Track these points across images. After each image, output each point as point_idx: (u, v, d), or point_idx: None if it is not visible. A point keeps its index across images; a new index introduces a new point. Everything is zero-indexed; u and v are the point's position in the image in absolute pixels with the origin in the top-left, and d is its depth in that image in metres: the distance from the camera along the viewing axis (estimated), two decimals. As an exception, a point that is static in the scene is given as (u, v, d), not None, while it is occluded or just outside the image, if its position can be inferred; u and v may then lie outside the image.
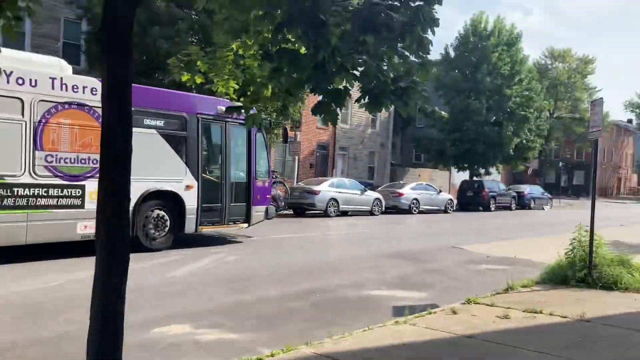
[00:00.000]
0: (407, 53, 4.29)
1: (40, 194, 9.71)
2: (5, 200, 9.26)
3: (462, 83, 33.17)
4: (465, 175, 36.42)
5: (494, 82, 32.70)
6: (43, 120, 9.80)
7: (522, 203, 35.34)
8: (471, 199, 31.89)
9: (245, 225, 13.36)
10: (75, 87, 10.20)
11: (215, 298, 7.92)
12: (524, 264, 12.27)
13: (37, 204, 9.66)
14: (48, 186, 9.81)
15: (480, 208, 31.81)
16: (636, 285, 8.80)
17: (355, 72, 4.34)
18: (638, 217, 31.12)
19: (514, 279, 9.51)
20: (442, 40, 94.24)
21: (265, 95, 4.82)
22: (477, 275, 10.76)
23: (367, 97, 4.52)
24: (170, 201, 11.74)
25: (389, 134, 38.34)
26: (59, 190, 9.99)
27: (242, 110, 4.88)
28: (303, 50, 4.26)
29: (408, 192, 27.00)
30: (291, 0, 3.82)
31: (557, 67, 58.54)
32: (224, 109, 10.62)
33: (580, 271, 9.16)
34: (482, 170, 35.51)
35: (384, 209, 24.83)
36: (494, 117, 32.81)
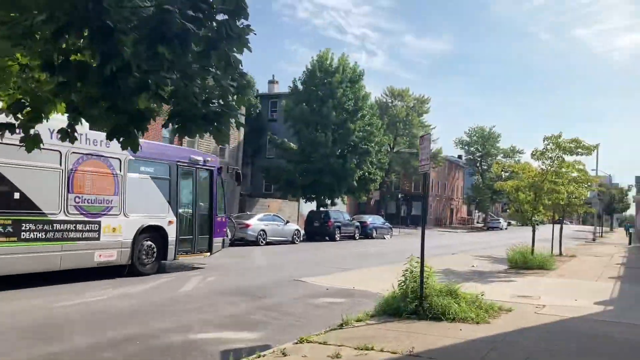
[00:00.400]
0: (218, 73, 3.83)
1: (71, 228, 12.05)
2: (47, 234, 11.57)
3: (310, 116, 33.90)
4: (313, 206, 37.05)
5: (339, 117, 33.88)
6: (73, 169, 12.23)
7: (365, 232, 36.71)
8: (318, 229, 32.37)
9: (208, 254, 16.14)
10: (95, 141, 12.50)
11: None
12: (361, 295, 12.34)
13: (69, 237, 11.98)
14: (76, 222, 12.18)
15: (327, 238, 32.40)
16: (462, 314, 9.10)
17: (161, 92, 3.79)
18: (467, 245, 33.81)
19: (350, 313, 9.39)
20: (295, 75, 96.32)
21: (51, 113, 4.05)
22: (315, 309, 10.53)
23: (175, 121, 3.97)
24: (157, 233, 14.33)
25: (239, 163, 37.88)
26: (83, 225, 12.39)
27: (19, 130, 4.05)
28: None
29: (256, 223, 26.62)
30: (73, 1, 3.18)
31: (397, 105, 62.69)
32: (196, 157, 15.78)
33: (411, 303, 9.30)
34: (328, 201, 36.39)
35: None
36: (339, 150, 33.89)
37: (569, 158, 21.11)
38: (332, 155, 33.03)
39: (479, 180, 76.68)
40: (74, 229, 12.04)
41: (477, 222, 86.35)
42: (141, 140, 10.99)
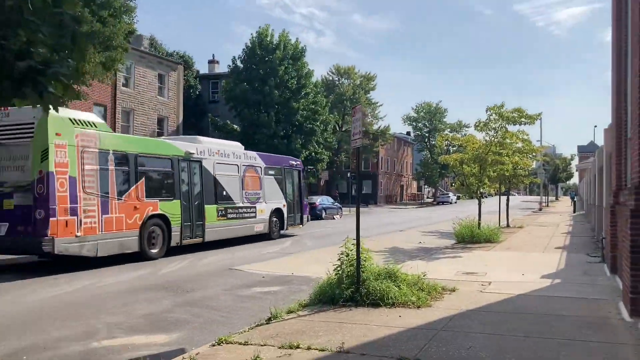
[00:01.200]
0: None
1: (244, 211, 19.17)
2: (237, 215, 18.71)
3: (251, 95, 32.65)
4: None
5: (282, 96, 32.77)
6: (243, 175, 19.37)
7: (315, 214, 35.91)
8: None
9: (301, 225, 23.94)
10: (250, 156, 20.24)
11: None
12: (300, 281, 11.51)
13: (244, 216, 19.10)
14: (246, 207, 19.33)
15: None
16: (402, 299, 8.39)
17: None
18: (417, 221, 33.55)
19: (285, 302, 8.56)
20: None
21: None
22: (247, 301, 9.60)
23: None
24: (278, 213, 21.46)
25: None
26: (249, 209, 19.53)
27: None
28: None
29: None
30: None
31: (343, 84, 61.94)
32: (291, 162, 23.69)
33: (347, 288, 8.51)
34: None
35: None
36: (283, 130, 32.82)
37: (512, 128, 20.85)
38: (276, 135, 31.95)
39: (428, 155, 77.13)
40: (246, 211, 19.19)
41: (427, 198, 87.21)
42: (265, 154, 23.07)
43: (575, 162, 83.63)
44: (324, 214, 36.55)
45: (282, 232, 21.79)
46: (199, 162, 17.11)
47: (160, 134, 32.19)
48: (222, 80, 38.00)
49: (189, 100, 38.07)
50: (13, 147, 12.59)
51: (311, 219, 35.50)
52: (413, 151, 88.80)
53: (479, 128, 18.43)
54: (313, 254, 16.36)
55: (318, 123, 33.76)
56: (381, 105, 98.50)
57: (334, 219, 36.86)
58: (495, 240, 18.81)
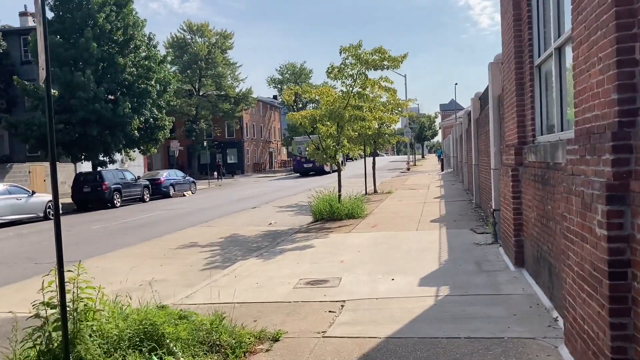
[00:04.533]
0: None
1: None
2: None
3: (64, 51, 26.13)
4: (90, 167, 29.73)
5: (105, 50, 26.62)
6: None
7: (160, 191, 30.61)
8: (90, 196, 25.49)
9: None
10: None
11: None
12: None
13: None
14: None
15: (109, 205, 25.74)
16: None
17: None
18: (279, 192, 29.48)
19: None
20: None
21: None
22: None
23: None
24: None
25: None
26: None
27: None
28: None
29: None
30: None
31: (197, 42, 55.74)
32: None
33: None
34: (107, 159, 29.37)
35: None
36: (108, 92, 26.77)
37: (373, 75, 17.16)
38: (98, 99, 25.84)
39: (295, 119, 73.39)
40: None
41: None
42: None
43: (439, 120, 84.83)
44: (172, 191, 31.32)
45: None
46: None
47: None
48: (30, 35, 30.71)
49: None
50: None
51: (158, 198, 30.29)
52: (281, 116, 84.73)
53: (332, 75, 14.41)
54: (108, 259, 11.44)
55: (153, 82, 27.99)
56: (241, 65, 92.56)
57: (184, 196, 31.76)
58: (359, 215, 15.18)
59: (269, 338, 5.33)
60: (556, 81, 5.94)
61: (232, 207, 22.41)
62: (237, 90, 59.17)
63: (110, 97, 27.26)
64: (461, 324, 5.40)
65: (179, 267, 10.10)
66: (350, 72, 14.55)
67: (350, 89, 14.86)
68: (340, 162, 15.95)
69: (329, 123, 15.07)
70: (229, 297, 7.24)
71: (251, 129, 69.54)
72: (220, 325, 5.16)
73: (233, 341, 5.05)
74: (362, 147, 23.11)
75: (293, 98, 15.76)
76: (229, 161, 64.06)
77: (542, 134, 6.92)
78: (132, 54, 27.23)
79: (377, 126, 22.09)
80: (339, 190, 15.75)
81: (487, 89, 12.20)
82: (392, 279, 7.60)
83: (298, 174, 50.29)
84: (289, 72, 74.35)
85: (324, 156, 15.69)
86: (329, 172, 56.59)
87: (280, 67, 74.66)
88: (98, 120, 25.91)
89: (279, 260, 9.83)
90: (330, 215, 15.16)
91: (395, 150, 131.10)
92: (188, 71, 55.31)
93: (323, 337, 5.35)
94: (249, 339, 5.19)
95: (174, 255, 11.59)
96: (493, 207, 10.24)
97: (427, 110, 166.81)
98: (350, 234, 12.32)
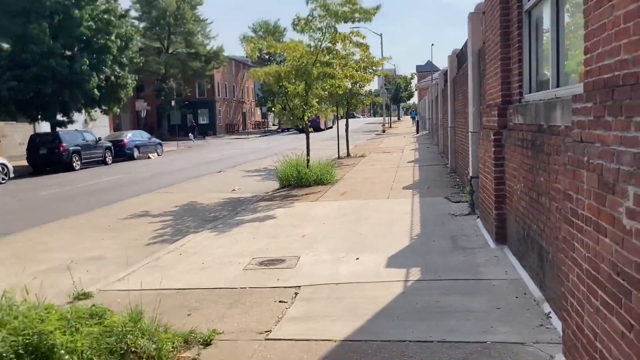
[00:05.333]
0: None
1: None
2: None
3: (16, 0, 24.12)
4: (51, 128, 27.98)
5: (60, 1, 24.64)
6: None
7: (124, 153, 29.13)
8: (47, 158, 23.97)
9: None
10: None
11: None
12: None
13: None
14: None
15: (68, 168, 24.25)
16: None
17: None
18: (248, 156, 28.17)
19: None
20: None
21: None
22: None
23: None
24: None
25: None
26: None
27: None
28: None
29: None
30: None
31: (165, -3, 53.04)
32: None
33: None
34: (66, 119, 27.66)
35: None
36: (64, 48, 24.93)
37: (345, 30, 15.90)
38: (54, 54, 24.03)
39: (270, 79, 71.35)
40: None
41: (273, 125, 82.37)
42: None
43: (415, 82, 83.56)
44: (136, 153, 29.84)
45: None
46: None
47: None
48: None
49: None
50: None
51: (122, 160, 28.87)
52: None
53: (298, 28, 13.10)
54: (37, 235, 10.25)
55: (113, 38, 26.12)
56: (212, 22, 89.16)
57: (149, 158, 30.34)
58: (329, 181, 14.19)
59: (199, 341, 4.34)
60: (552, 27, 4.90)
61: (197, 170, 21.23)
62: (207, 48, 56.88)
63: (68, 52, 25.43)
64: (434, 321, 4.47)
65: (122, 241, 9.02)
66: (318, 25, 13.28)
67: (319, 43, 13.62)
68: (307, 124, 14.78)
69: (295, 81, 13.87)
70: (168, 280, 6.24)
71: (223, 88, 67.49)
72: (135, 328, 4.13)
73: (152, 347, 4.05)
74: (334, 108, 22.00)
75: (257, 53, 14.51)
76: (200, 122, 62.15)
77: (530, 92, 5.93)
78: (89, 7, 25.25)
79: (349, 85, 20.94)
80: (308, 155, 14.68)
81: (465, 44, 11.11)
82: (357, 258, 6.64)
83: (296, 131, 52.43)
84: (262, 30, 71.85)
85: (292, 117, 14.54)
86: (323, 130, 56.46)
87: (253, 24, 72.14)
88: (54, 77, 24.13)
89: (234, 233, 8.81)
90: (297, 182, 14.13)
91: (371, 112, 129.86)
92: (156, 28, 52.84)
93: (266, 339, 4.37)
94: (173, 343, 4.20)
95: (121, 226, 10.48)
96: (470, 174, 9.32)
97: (404, 72, 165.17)
98: (317, 203, 11.33)
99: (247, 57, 16.96)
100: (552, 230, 4.33)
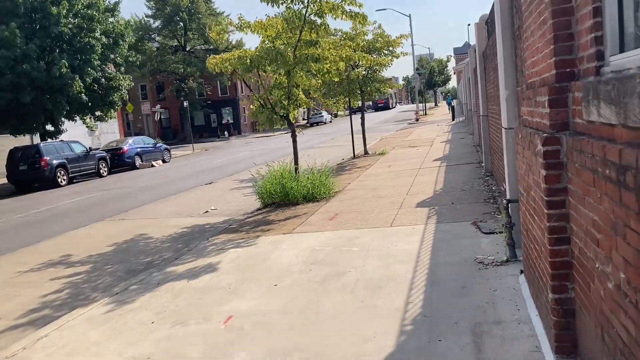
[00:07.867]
0: None
1: None
2: None
3: (-14, 1, 21.62)
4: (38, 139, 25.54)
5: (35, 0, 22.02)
6: None
7: (124, 162, 26.49)
8: (27, 175, 21.47)
9: None
10: None
11: None
12: None
13: None
14: None
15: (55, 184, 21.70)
16: None
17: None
18: (260, 158, 24.82)
19: None
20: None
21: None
22: None
23: None
24: None
25: None
26: None
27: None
28: None
29: None
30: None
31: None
32: None
33: None
34: (53, 129, 25.12)
35: None
36: (40, 50, 22.29)
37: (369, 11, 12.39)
38: (28, 58, 21.42)
39: (296, 72, 67.99)
40: None
41: (303, 119, 79.06)
42: None
43: (452, 64, 78.69)
44: (138, 161, 27.14)
45: None
46: None
47: None
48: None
49: None
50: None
51: (122, 170, 26.24)
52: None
53: (269, -3, 9.77)
54: None
55: (98, 35, 23.29)
56: (229, 15, 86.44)
57: (152, 166, 27.59)
58: (323, 196, 10.89)
59: None
60: None
61: (187, 182, 18.24)
62: (225, 42, 54.02)
63: (48, 55, 22.79)
64: None
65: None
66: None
67: (300, 14, 10.23)
68: (294, 122, 11.45)
69: (270, 68, 10.55)
70: None
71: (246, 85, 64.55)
72: None
73: None
74: (345, 100, 18.57)
75: (226, 36, 11.32)
76: (223, 121, 59.48)
77: (624, 50, 2.50)
78: (68, 2, 22.50)
79: (363, 71, 17.54)
80: (296, 163, 11.37)
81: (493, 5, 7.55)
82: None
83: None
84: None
85: (274, 116, 11.20)
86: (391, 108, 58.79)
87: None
88: (31, 84, 21.54)
89: (135, 309, 5.64)
90: (283, 199, 10.89)
91: (409, 98, 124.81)
92: (171, 24, 50.30)
93: None
94: None
95: (12, 284, 7.50)
96: (507, 196, 5.85)
97: (441, 55, 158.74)
98: (290, 237, 8.02)
99: (213, 42, 13.64)
100: None
